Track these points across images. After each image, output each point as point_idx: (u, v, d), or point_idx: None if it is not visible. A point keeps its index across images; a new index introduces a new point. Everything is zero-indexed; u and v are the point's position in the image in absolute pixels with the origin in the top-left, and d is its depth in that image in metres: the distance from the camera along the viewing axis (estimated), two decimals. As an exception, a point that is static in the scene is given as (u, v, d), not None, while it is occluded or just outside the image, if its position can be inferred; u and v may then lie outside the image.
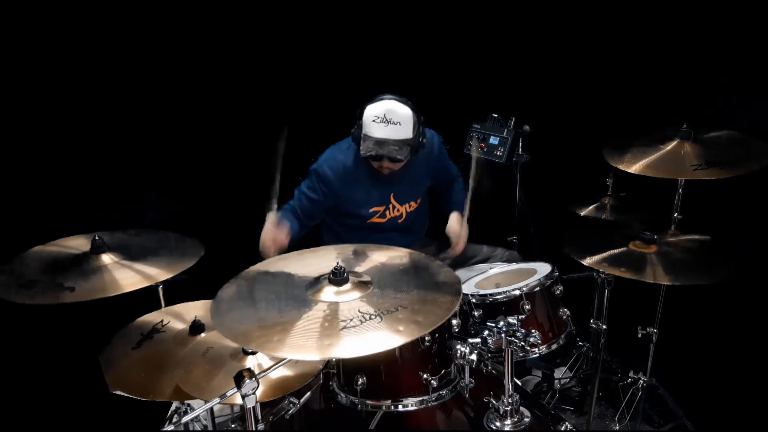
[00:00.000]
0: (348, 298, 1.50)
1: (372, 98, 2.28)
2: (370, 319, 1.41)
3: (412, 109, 2.26)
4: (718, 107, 2.55)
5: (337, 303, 1.48)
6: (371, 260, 1.71)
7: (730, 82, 2.52)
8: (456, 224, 2.50)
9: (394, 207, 2.49)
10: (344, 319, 1.41)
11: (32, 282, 1.74)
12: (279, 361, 1.60)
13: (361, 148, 2.26)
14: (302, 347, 1.33)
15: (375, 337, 1.36)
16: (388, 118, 2.22)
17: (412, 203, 2.54)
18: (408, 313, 1.43)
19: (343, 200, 2.43)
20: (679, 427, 2.41)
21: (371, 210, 2.46)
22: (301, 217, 2.41)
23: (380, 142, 2.23)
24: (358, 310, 1.44)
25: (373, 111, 2.24)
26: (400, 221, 2.53)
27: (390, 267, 1.68)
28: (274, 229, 2.22)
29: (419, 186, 2.55)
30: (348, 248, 1.79)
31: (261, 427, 1.48)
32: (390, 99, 2.25)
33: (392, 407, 1.64)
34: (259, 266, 1.72)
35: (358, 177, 2.41)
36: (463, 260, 2.61)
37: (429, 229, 2.76)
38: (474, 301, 2.01)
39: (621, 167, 2.18)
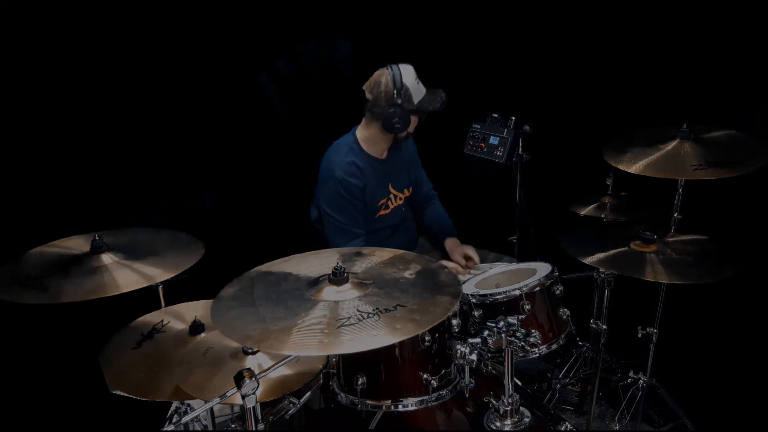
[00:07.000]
0: (347, 297, 1.50)
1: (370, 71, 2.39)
2: (369, 317, 1.41)
3: None
4: (718, 107, 2.54)
5: (337, 302, 1.48)
6: (371, 261, 1.71)
7: (731, 82, 2.52)
8: (458, 248, 2.60)
9: (396, 196, 2.56)
10: (342, 317, 1.41)
11: (32, 281, 1.73)
12: (279, 361, 1.60)
13: (429, 105, 2.39)
14: (302, 344, 1.34)
15: (373, 335, 1.36)
16: (417, 76, 2.38)
17: (405, 191, 2.63)
18: (406, 311, 1.43)
19: (366, 196, 2.48)
20: (679, 427, 2.41)
21: (379, 203, 2.50)
22: (357, 229, 2.46)
23: (433, 91, 2.40)
24: (357, 309, 1.44)
25: (409, 77, 2.36)
26: (403, 209, 2.62)
27: (391, 267, 1.68)
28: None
29: (407, 173, 2.64)
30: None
31: (261, 427, 1.48)
32: (398, 65, 2.37)
33: (392, 407, 1.64)
34: (259, 267, 1.72)
35: (366, 172, 2.45)
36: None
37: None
38: (474, 301, 2.01)
39: (621, 167, 2.17)
